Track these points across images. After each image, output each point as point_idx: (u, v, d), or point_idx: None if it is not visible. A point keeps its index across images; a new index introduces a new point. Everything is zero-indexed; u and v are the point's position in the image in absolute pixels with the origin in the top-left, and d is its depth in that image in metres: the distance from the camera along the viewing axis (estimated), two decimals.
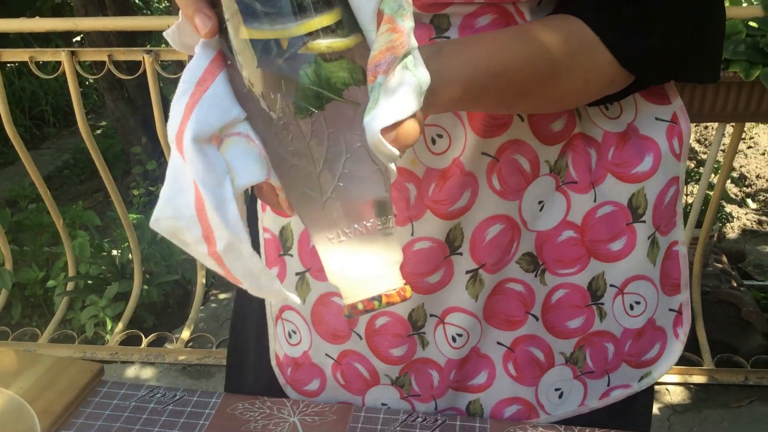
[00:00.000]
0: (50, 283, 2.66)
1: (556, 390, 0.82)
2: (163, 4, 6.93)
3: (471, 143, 0.70)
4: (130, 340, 2.53)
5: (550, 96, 0.65)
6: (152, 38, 6.08)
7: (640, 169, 0.75)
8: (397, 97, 0.47)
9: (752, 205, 3.58)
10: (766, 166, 3.88)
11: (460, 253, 0.75)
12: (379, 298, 0.50)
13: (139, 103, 3.75)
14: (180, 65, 2.20)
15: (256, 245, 0.84)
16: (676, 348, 0.84)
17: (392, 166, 0.50)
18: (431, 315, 0.78)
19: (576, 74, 0.64)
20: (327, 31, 0.47)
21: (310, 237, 0.52)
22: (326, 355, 0.84)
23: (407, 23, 0.48)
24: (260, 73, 0.48)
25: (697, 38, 0.66)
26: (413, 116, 0.48)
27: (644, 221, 0.77)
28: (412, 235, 0.74)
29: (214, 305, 2.84)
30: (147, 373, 2.41)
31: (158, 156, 3.69)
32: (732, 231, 3.36)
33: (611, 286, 0.78)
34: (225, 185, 0.49)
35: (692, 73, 0.69)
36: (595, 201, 0.75)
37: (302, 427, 0.78)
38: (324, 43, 0.47)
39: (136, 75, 2.22)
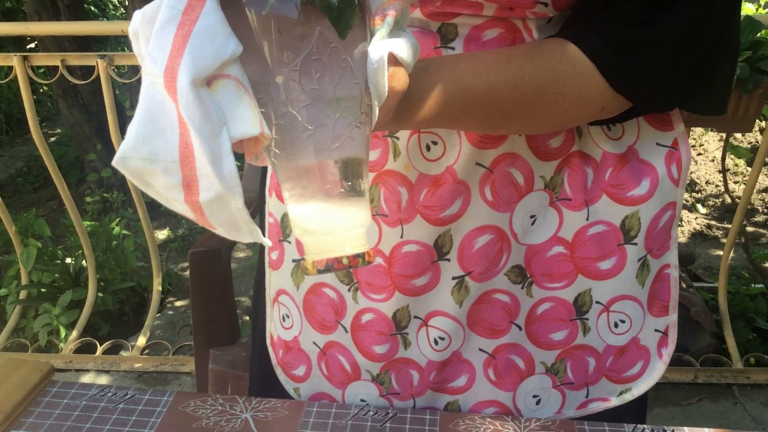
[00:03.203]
0: (2, 291, 2.61)
1: (534, 396, 0.83)
2: (120, 12, 6.85)
3: (465, 153, 0.70)
4: (85, 348, 2.50)
5: (536, 119, 0.65)
6: (108, 45, 6.00)
7: (635, 192, 0.75)
8: (401, 39, 0.51)
9: (702, 210, 3.67)
10: (716, 172, 3.98)
11: (448, 259, 0.76)
12: (346, 257, 0.50)
13: (93, 109, 3.71)
14: (135, 70, 2.19)
15: (261, 228, 0.85)
16: (658, 367, 0.84)
17: (375, 112, 0.51)
18: (415, 317, 0.79)
19: (564, 100, 0.63)
20: None
21: (283, 190, 0.51)
22: (314, 343, 0.85)
23: None
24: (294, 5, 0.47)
25: (702, 70, 0.64)
26: (404, 67, 0.51)
27: (635, 243, 0.77)
28: (401, 237, 0.74)
29: (170, 312, 2.81)
30: (102, 381, 2.38)
31: None
32: (682, 235, 3.44)
33: (597, 303, 0.79)
34: (222, 137, 0.45)
35: (695, 104, 0.67)
36: (587, 219, 0.75)
37: (254, 423, 0.79)
38: None
39: (90, 80, 2.20)
